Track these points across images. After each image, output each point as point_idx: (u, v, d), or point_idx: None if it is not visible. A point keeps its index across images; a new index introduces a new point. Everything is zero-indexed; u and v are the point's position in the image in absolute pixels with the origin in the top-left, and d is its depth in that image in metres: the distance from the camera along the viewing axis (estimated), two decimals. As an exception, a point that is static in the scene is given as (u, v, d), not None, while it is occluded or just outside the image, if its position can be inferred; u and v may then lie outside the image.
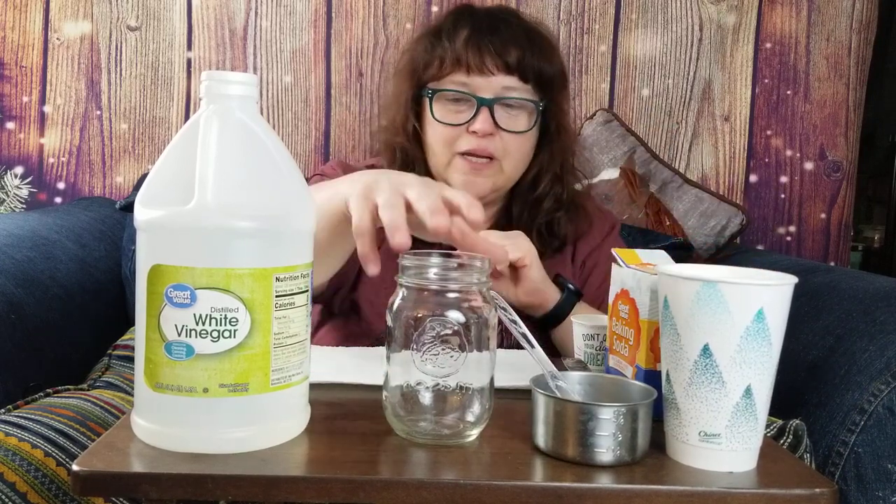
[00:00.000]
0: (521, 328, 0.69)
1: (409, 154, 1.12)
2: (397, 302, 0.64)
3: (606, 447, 0.59)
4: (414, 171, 1.10)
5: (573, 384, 0.67)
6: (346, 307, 1.10)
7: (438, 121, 1.07)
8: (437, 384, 0.62)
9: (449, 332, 0.62)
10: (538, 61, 1.08)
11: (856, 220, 2.10)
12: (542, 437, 0.62)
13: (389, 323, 0.64)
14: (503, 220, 1.16)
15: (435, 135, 1.09)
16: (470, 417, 0.63)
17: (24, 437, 0.85)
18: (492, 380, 0.65)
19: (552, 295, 1.02)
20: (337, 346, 1.06)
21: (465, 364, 0.62)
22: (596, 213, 1.21)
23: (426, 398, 0.63)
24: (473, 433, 0.64)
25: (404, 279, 0.64)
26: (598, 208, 1.26)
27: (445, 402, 0.63)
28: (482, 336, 0.63)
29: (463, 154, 1.07)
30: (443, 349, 0.62)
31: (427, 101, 1.09)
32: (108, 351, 1.32)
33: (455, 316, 0.62)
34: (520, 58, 1.06)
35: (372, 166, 1.18)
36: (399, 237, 0.68)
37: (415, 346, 0.62)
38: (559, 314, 1.02)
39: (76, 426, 0.92)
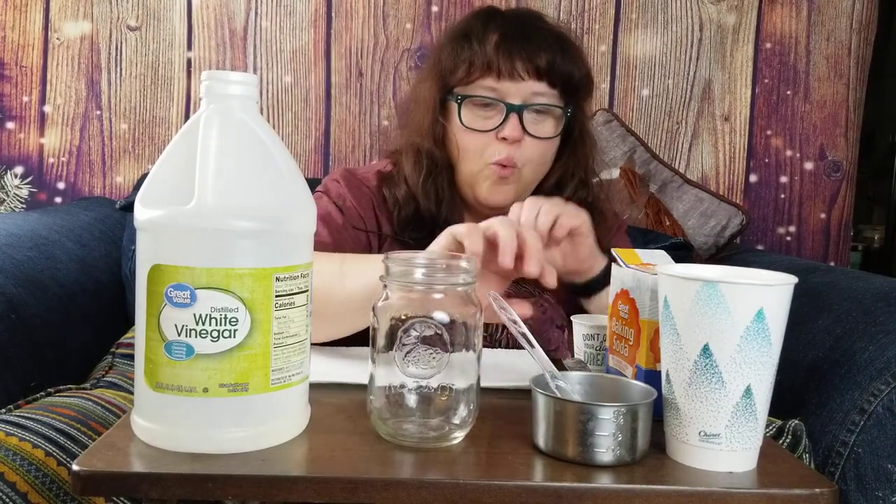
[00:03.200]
0: (520, 328, 0.69)
1: (435, 158, 1.10)
2: (381, 303, 0.64)
3: (606, 447, 0.59)
4: (438, 174, 1.09)
5: (573, 384, 0.67)
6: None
7: (466, 126, 1.07)
8: (421, 385, 0.62)
9: (431, 332, 0.61)
10: (567, 66, 1.08)
11: (856, 220, 2.10)
12: (542, 437, 0.62)
13: (374, 324, 0.64)
14: None
15: (467, 142, 1.08)
16: (455, 419, 0.63)
17: (25, 437, 0.85)
18: (478, 381, 0.65)
19: (600, 261, 1.01)
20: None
21: (449, 365, 0.62)
22: (611, 216, 1.21)
23: (410, 400, 0.63)
24: (459, 435, 0.64)
25: (389, 280, 0.63)
26: (613, 210, 1.26)
27: (430, 404, 0.63)
28: (467, 337, 0.63)
29: (493, 163, 1.07)
30: (425, 350, 0.62)
31: (455, 105, 1.08)
32: (112, 349, 1.31)
33: (439, 317, 0.62)
34: (550, 63, 1.06)
35: (380, 172, 1.17)
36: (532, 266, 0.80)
37: (398, 348, 0.62)
38: (605, 280, 0.99)
39: (77, 426, 0.92)
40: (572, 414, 0.60)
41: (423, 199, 1.09)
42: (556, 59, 1.06)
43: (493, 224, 0.81)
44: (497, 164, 1.07)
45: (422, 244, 1.04)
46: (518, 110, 1.05)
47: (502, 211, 1.12)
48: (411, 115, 1.16)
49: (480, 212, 1.13)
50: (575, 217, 0.94)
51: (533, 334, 1.06)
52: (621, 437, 0.59)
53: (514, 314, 0.70)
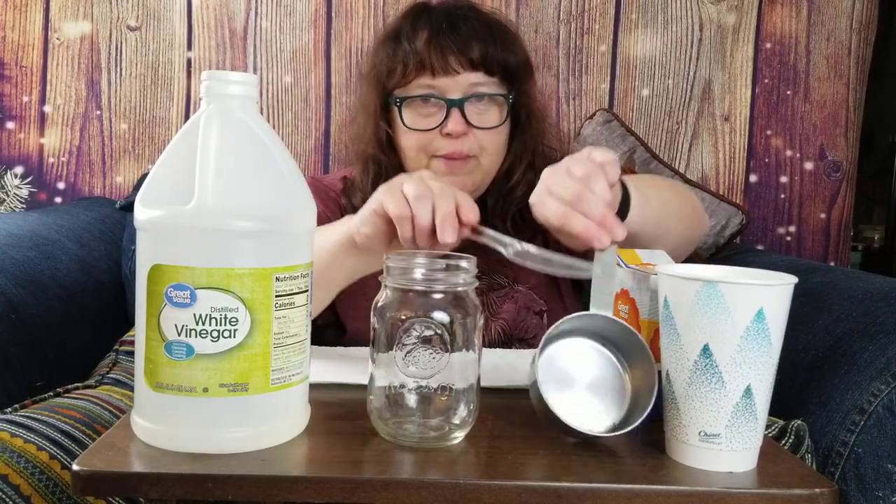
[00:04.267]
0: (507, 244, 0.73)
1: (381, 164, 1.10)
2: (381, 302, 0.64)
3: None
4: (387, 179, 1.09)
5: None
6: (329, 321, 1.10)
7: (409, 127, 1.06)
8: (421, 385, 0.62)
9: (431, 333, 0.62)
10: (502, 53, 1.07)
11: (856, 220, 2.10)
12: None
13: (375, 324, 0.64)
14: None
15: (409, 142, 1.07)
16: (455, 419, 0.63)
17: (30, 439, 0.84)
18: (478, 381, 0.65)
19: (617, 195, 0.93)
20: None
21: (449, 365, 0.62)
22: None
23: (410, 400, 0.63)
24: (459, 435, 0.64)
25: (389, 280, 0.63)
26: None
27: (430, 404, 0.63)
28: (467, 337, 0.63)
29: (440, 156, 1.06)
30: (425, 350, 0.62)
31: (396, 108, 1.07)
32: (115, 347, 1.31)
33: (439, 317, 0.62)
34: (483, 52, 1.05)
35: (345, 178, 1.17)
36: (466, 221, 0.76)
37: (398, 348, 0.62)
38: (623, 211, 0.91)
39: (82, 428, 0.92)
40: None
41: None
42: (489, 47, 1.06)
43: (403, 182, 0.76)
44: (444, 157, 1.06)
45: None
46: (458, 104, 1.04)
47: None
48: (356, 123, 1.15)
49: None
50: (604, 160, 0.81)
51: (510, 325, 1.06)
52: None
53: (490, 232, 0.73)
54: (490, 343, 1.06)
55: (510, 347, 1.06)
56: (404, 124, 1.06)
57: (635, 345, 0.65)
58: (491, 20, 1.10)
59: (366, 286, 1.08)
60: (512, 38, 1.11)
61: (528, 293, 1.09)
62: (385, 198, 0.76)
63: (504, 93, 1.08)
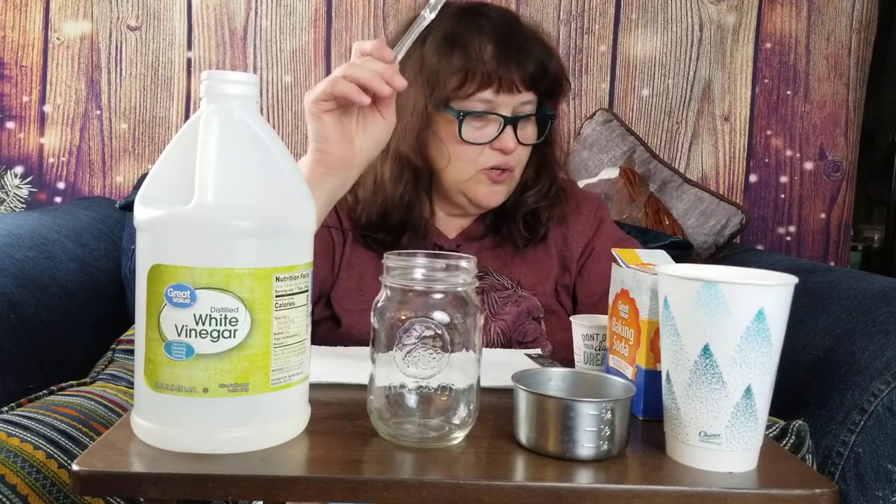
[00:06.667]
0: None
1: (419, 170, 1.08)
2: (381, 302, 0.64)
3: (591, 442, 0.60)
4: (418, 183, 1.09)
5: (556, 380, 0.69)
6: (324, 315, 1.10)
7: (466, 141, 1.06)
8: (421, 385, 0.62)
9: (431, 333, 0.61)
10: (554, 74, 1.09)
11: (856, 220, 2.10)
12: (524, 433, 0.62)
13: (374, 324, 0.64)
14: (490, 216, 1.16)
15: (461, 153, 1.07)
16: (455, 419, 0.63)
17: (27, 438, 0.84)
18: (478, 381, 0.65)
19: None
20: None
21: (450, 365, 0.62)
22: (581, 197, 1.21)
23: (410, 400, 0.63)
24: (459, 435, 0.64)
25: (388, 280, 0.63)
26: (582, 193, 1.25)
27: (430, 404, 0.63)
28: (467, 337, 0.63)
29: (489, 168, 1.07)
30: (425, 350, 0.62)
31: (447, 117, 1.06)
32: (112, 346, 1.32)
33: (439, 317, 0.62)
34: (542, 73, 1.06)
35: None
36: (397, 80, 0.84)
37: (398, 348, 0.62)
38: None
39: (79, 426, 0.92)
40: (554, 410, 0.61)
41: (395, 206, 1.08)
42: (548, 68, 1.07)
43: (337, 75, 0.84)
44: (492, 168, 1.07)
45: (384, 246, 1.05)
46: (513, 122, 1.06)
47: (490, 209, 1.13)
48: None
49: (450, 210, 1.15)
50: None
51: (510, 328, 1.07)
52: (608, 431, 0.60)
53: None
54: (489, 344, 1.07)
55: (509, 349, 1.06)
56: (461, 138, 1.06)
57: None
58: (541, 37, 1.11)
59: (362, 280, 1.09)
60: (558, 56, 1.12)
61: (531, 298, 1.10)
62: (320, 87, 0.84)
63: (551, 114, 1.11)
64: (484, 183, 1.08)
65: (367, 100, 0.83)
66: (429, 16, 0.86)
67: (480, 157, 1.07)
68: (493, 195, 1.10)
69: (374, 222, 1.09)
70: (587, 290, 1.16)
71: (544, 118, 1.11)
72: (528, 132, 1.10)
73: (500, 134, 1.05)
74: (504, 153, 1.06)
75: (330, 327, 1.09)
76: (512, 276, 1.12)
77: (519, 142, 1.07)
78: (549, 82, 1.08)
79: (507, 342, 1.08)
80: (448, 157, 1.08)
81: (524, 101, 1.07)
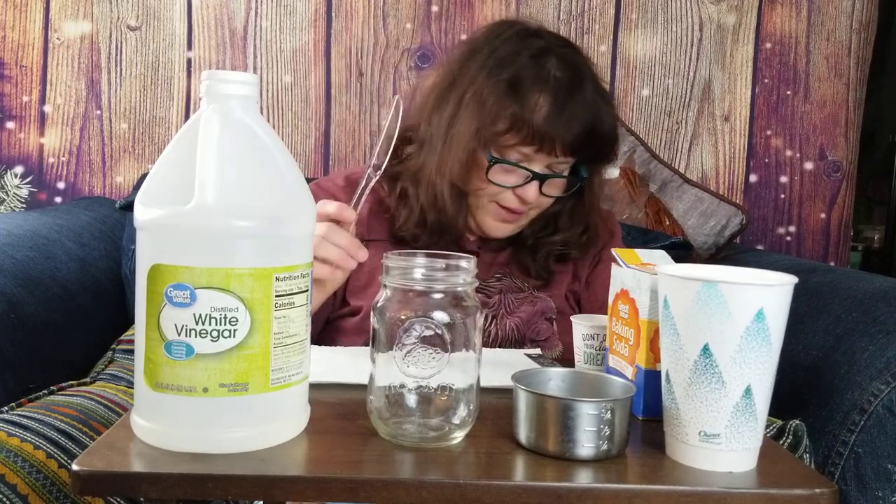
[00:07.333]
0: None
1: (456, 196, 1.07)
2: (381, 302, 0.64)
3: (591, 442, 0.60)
4: (452, 206, 1.07)
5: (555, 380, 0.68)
6: (342, 311, 1.10)
7: (491, 182, 1.05)
8: (421, 385, 0.62)
9: (431, 332, 0.61)
10: (601, 141, 1.06)
11: (856, 220, 2.10)
12: (524, 432, 0.62)
13: (375, 324, 0.64)
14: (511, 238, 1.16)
15: (484, 187, 1.06)
16: (455, 419, 0.63)
17: (27, 438, 0.84)
18: (478, 381, 0.65)
19: None
20: (335, 343, 1.06)
21: (449, 365, 0.62)
22: (602, 230, 1.19)
23: (410, 400, 0.63)
24: (458, 435, 0.64)
25: (389, 280, 0.63)
26: (604, 221, 1.22)
27: (430, 404, 0.63)
28: (467, 337, 0.63)
29: (503, 207, 1.07)
30: (425, 350, 0.62)
31: (485, 159, 1.04)
32: (112, 346, 1.32)
33: (439, 317, 0.62)
34: (587, 141, 1.03)
35: (348, 178, 1.16)
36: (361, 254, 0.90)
37: (398, 348, 0.62)
38: None
39: (78, 426, 0.92)
40: (554, 409, 0.61)
41: (444, 218, 1.08)
42: (595, 134, 1.04)
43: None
44: (505, 208, 1.07)
45: (419, 245, 1.05)
46: (541, 179, 1.05)
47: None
48: (435, 137, 1.08)
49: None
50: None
51: (524, 325, 1.08)
52: (608, 431, 0.60)
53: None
54: (503, 338, 1.08)
55: (522, 346, 1.08)
56: (488, 179, 1.05)
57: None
58: (600, 99, 1.06)
59: (375, 270, 1.09)
60: (613, 124, 1.08)
61: (546, 300, 1.11)
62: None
63: (583, 176, 1.09)
64: (494, 216, 1.09)
65: (340, 276, 0.91)
66: (375, 175, 0.91)
67: (500, 195, 1.07)
68: (500, 230, 1.11)
69: (417, 229, 1.09)
70: (590, 298, 1.17)
71: (574, 179, 1.09)
72: (555, 186, 1.08)
73: (525, 184, 1.05)
74: (523, 202, 1.06)
75: (347, 320, 1.10)
76: (528, 282, 1.13)
77: (542, 193, 1.06)
78: (592, 150, 1.06)
79: (521, 338, 1.09)
80: (473, 187, 1.08)
81: (560, 161, 1.05)
